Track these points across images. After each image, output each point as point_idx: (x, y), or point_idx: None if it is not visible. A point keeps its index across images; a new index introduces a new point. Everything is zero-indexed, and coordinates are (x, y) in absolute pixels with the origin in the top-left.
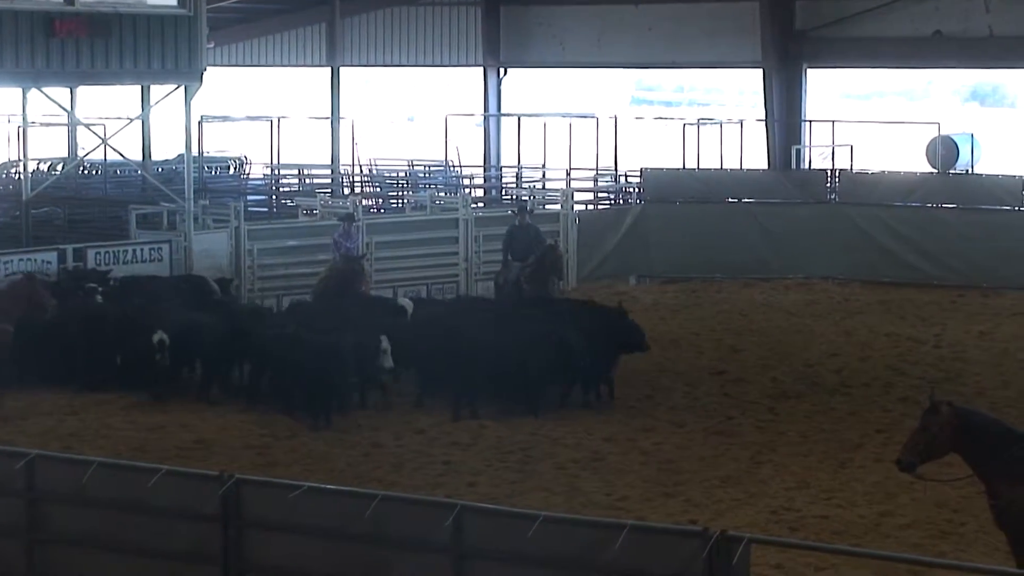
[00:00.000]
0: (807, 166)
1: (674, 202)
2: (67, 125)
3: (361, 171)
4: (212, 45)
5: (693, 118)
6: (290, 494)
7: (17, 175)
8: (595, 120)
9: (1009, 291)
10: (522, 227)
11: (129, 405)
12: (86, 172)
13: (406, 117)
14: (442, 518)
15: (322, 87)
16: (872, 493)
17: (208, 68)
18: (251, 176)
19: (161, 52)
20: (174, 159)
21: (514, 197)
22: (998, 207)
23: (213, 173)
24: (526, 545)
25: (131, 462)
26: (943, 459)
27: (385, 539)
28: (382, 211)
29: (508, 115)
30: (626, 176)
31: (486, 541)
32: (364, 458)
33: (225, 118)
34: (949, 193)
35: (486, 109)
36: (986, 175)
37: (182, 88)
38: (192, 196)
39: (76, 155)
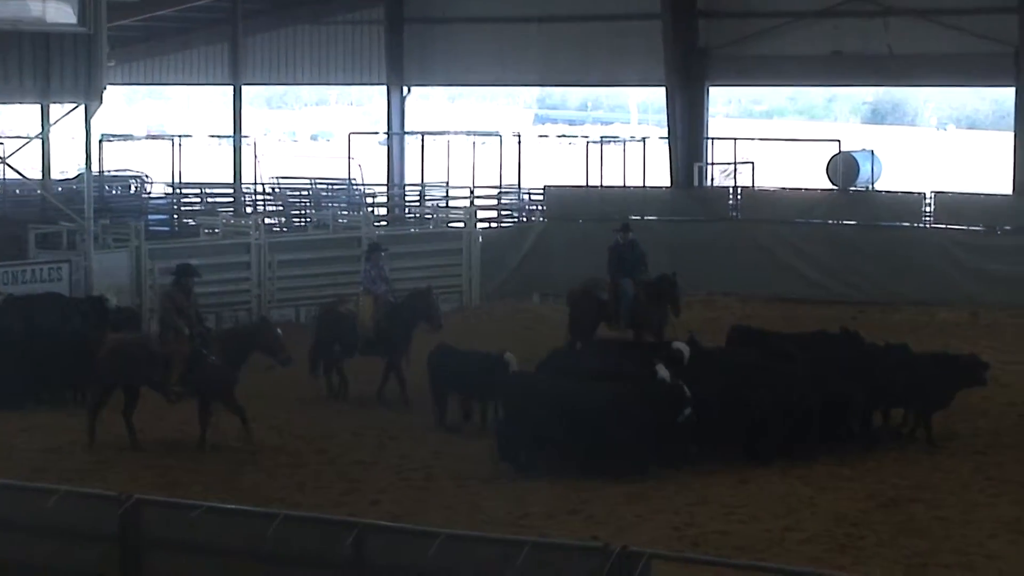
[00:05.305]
0: (709, 183)
1: (577, 220)
2: None
3: (264, 189)
4: (113, 63)
5: (596, 136)
6: (190, 514)
7: None
8: (499, 138)
9: (908, 307)
10: (627, 244)
11: (29, 426)
12: None
13: (309, 135)
14: (343, 537)
15: (224, 106)
16: (773, 508)
17: (109, 86)
18: (152, 195)
19: (60, 70)
20: (74, 178)
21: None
22: (898, 223)
23: (114, 192)
24: (428, 563)
25: (30, 483)
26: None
27: (287, 558)
28: (285, 230)
29: (412, 133)
30: (529, 194)
31: (388, 559)
32: (267, 478)
33: (126, 137)
34: (850, 210)
35: (390, 127)
36: (886, 192)
37: (82, 106)
38: (92, 215)
39: None
